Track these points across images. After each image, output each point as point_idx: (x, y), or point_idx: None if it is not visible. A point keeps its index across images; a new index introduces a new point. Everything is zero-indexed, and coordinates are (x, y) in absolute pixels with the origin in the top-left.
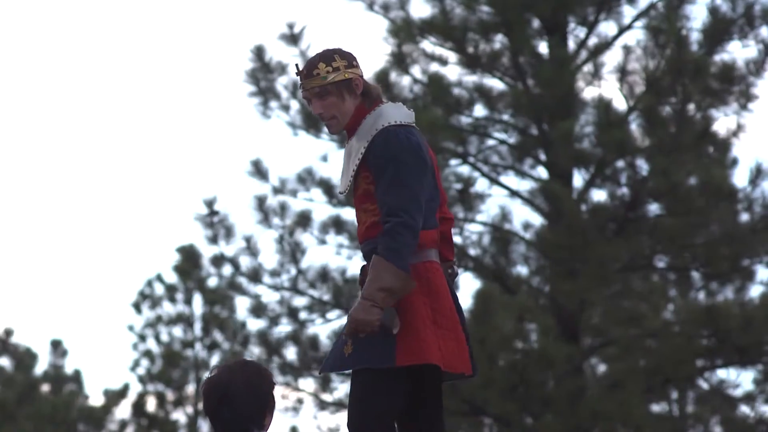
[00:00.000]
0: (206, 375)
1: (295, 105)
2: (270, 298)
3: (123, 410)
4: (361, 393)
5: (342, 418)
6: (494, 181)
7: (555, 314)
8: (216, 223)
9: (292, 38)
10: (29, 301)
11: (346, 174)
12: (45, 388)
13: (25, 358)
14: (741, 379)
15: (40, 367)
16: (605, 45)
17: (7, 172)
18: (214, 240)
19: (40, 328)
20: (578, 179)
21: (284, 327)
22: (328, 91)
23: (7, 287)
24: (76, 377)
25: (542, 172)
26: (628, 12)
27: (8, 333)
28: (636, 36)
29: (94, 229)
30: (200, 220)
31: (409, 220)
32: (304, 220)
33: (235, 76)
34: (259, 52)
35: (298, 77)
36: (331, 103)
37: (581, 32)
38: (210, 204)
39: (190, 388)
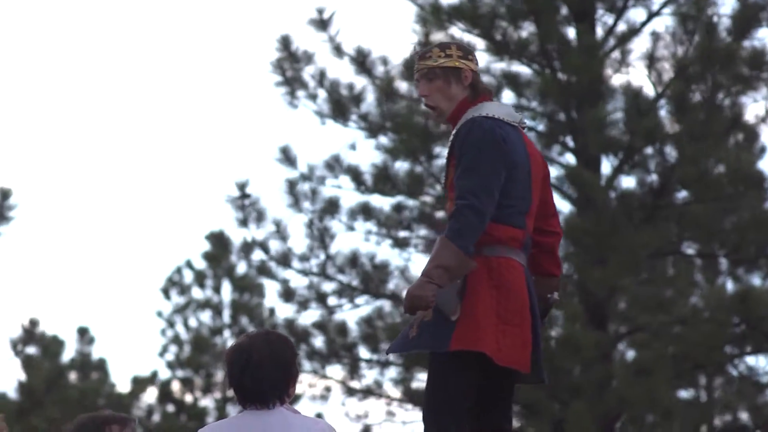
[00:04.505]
0: (230, 344)
1: (322, 94)
2: (299, 283)
3: (150, 396)
4: (431, 378)
5: (370, 405)
6: None
7: (583, 301)
8: (247, 206)
9: (321, 23)
10: (56, 289)
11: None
12: (72, 375)
13: (52, 346)
14: None
15: (68, 355)
16: (634, 32)
17: (33, 159)
18: (244, 223)
19: (67, 315)
20: (607, 166)
21: (313, 312)
22: (436, 75)
23: (34, 275)
24: (102, 365)
25: (570, 159)
26: None
27: (34, 323)
28: (665, 22)
29: (123, 215)
30: (231, 203)
31: (476, 204)
32: (332, 206)
33: (265, 62)
34: (285, 42)
35: (414, 58)
36: (436, 87)
37: (609, 19)
38: (242, 186)
39: (219, 375)
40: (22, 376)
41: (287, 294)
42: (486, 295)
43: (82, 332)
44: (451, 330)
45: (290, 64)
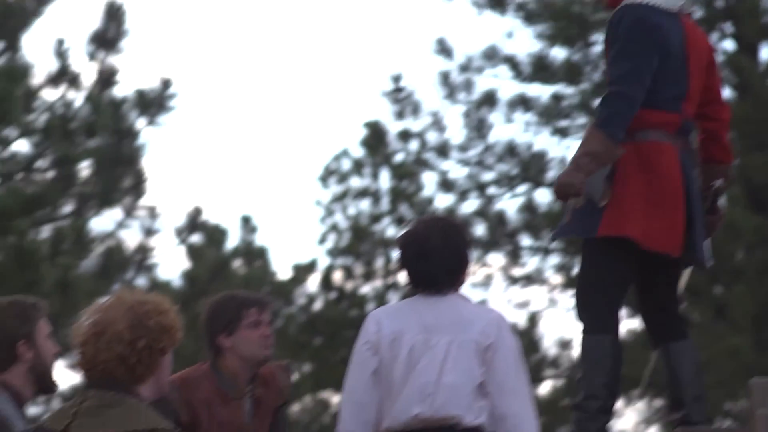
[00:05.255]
0: (404, 229)
1: None
2: (457, 173)
3: (312, 284)
4: (582, 264)
5: (532, 292)
6: None
7: (744, 186)
8: (402, 99)
9: None
10: (219, 179)
11: None
12: (236, 263)
13: (215, 235)
14: None
15: (231, 243)
16: None
17: (192, 47)
18: (400, 116)
19: (230, 204)
20: (766, 52)
21: (472, 202)
22: None
23: (198, 165)
24: (264, 253)
25: (729, 45)
26: None
27: (198, 212)
28: None
29: (281, 105)
30: (387, 96)
31: (625, 90)
32: (489, 98)
33: None
34: None
35: None
36: None
37: None
38: (396, 79)
39: (379, 262)
40: (187, 265)
41: (446, 184)
42: (635, 180)
43: (245, 221)
44: (600, 216)
45: None
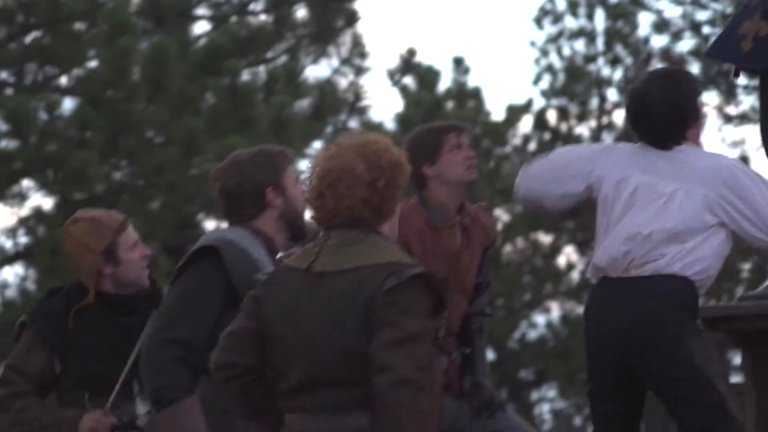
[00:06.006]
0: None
1: None
2: (672, 12)
3: (525, 125)
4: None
5: (746, 131)
6: None
7: None
8: None
9: None
10: (431, 20)
11: None
12: (449, 104)
13: (428, 76)
14: None
15: (443, 85)
16: None
17: None
18: None
19: (442, 46)
20: None
21: (687, 42)
22: None
23: (411, 6)
24: (478, 94)
25: None
26: None
27: (411, 53)
28: None
29: None
30: None
31: None
32: None
33: None
34: None
35: None
36: None
37: None
38: None
39: (593, 103)
40: (399, 107)
41: (661, 25)
42: None
43: (458, 62)
44: None
45: None
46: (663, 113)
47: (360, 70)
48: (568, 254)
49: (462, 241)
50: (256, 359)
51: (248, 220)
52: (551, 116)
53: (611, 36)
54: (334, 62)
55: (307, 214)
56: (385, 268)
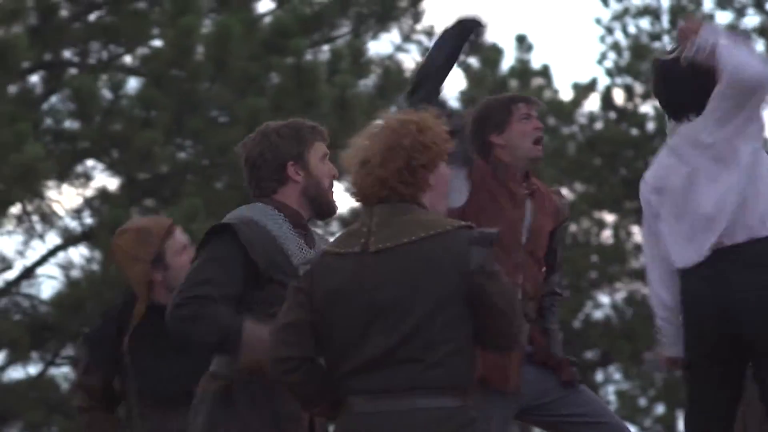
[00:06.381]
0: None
1: None
2: None
3: (592, 103)
4: None
5: None
6: None
7: None
8: None
9: None
10: None
11: None
12: (513, 83)
13: (492, 54)
14: None
15: (507, 63)
16: None
17: None
18: None
19: (505, 23)
20: None
21: (752, 18)
22: None
23: None
24: (544, 72)
25: None
26: None
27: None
28: None
29: None
30: None
31: None
32: None
33: None
34: None
35: None
36: None
37: None
38: None
39: None
40: (463, 85)
41: (724, 2)
42: None
43: (521, 40)
44: None
45: None
46: (683, 81)
47: (423, 49)
48: (634, 234)
49: (532, 207)
50: (312, 349)
51: (269, 193)
52: (617, 95)
53: (676, 13)
54: (396, 38)
55: (335, 192)
56: (459, 235)
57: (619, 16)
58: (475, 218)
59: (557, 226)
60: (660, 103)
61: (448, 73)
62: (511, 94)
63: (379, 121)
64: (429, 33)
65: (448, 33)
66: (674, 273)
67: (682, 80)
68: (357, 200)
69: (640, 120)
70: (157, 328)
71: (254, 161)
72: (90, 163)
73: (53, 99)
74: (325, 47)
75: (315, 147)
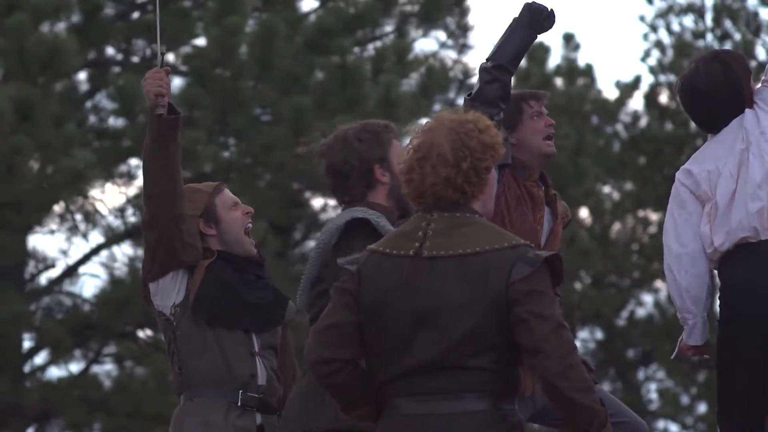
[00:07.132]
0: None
1: None
2: None
3: (636, 102)
4: None
5: None
6: None
7: None
8: None
9: None
10: None
11: None
12: (558, 81)
13: (537, 53)
14: None
15: (553, 61)
16: None
17: None
18: None
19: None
20: None
21: None
22: None
23: None
24: (588, 71)
25: None
26: None
27: None
28: None
29: None
30: None
31: None
32: None
33: None
34: None
35: None
36: None
37: None
38: None
39: None
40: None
41: None
42: None
43: (568, 38)
44: None
45: None
46: (716, 98)
47: (466, 47)
48: None
49: (549, 210)
50: (357, 351)
51: (360, 198)
52: (661, 93)
53: (720, 11)
54: (442, 36)
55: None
56: (511, 253)
57: (662, 14)
58: (500, 222)
59: (563, 228)
60: (692, 119)
61: (518, 64)
62: (520, 91)
63: (442, 116)
64: (472, 29)
65: (517, 22)
66: (701, 261)
67: (710, 91)
68: (410, 198)
69: (683, 118)
70: (224, 268)
71: (339, 169)
72: (133, 161)
73: (97, 97)
74: (370, 46)
75: (394, 146)
